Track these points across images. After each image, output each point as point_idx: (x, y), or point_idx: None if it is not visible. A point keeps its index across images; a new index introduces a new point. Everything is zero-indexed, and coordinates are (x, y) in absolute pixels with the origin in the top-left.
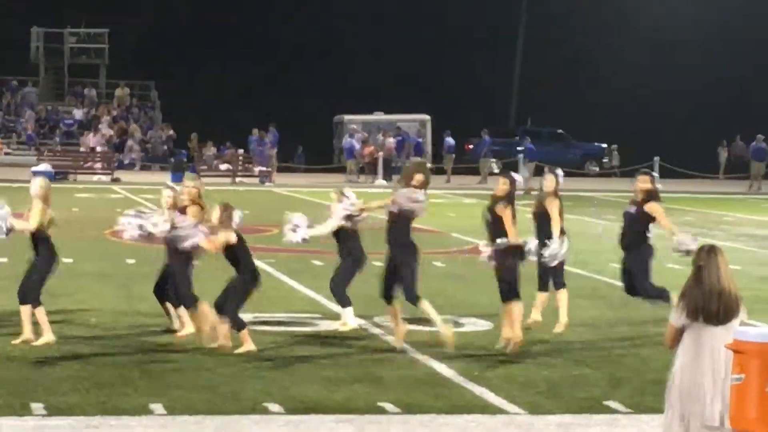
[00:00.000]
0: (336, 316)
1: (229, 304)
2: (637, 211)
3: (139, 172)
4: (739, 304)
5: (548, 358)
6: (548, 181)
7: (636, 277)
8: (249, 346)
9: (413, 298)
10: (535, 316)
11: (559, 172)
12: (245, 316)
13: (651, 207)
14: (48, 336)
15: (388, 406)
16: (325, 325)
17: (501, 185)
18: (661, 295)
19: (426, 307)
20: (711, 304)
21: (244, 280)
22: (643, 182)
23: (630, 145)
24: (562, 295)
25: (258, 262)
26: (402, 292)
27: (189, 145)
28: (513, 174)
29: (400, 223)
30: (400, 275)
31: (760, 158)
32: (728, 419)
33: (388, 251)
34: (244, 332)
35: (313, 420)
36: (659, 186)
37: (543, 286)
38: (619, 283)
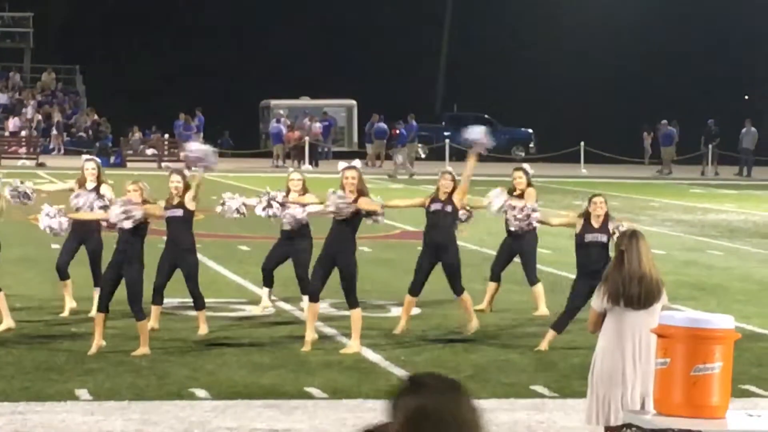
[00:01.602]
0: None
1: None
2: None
3: (65, 157)
4: (660, 289)
5: (475, 343)
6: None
7: None
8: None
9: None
10: (482, 304)
11: (528, 168)
12: (172, 300)
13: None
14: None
15: (315, 391)
16: (252, 311)
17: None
18: None
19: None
20: (632, 288)
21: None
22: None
23: (556, 130)
24: (538, 288)
25: None
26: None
27: (102, 128)
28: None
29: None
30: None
31: (668, 143)
32: (650, 402)
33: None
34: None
35: (240, 405)
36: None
37: (494, 277)
38: (547, 269)
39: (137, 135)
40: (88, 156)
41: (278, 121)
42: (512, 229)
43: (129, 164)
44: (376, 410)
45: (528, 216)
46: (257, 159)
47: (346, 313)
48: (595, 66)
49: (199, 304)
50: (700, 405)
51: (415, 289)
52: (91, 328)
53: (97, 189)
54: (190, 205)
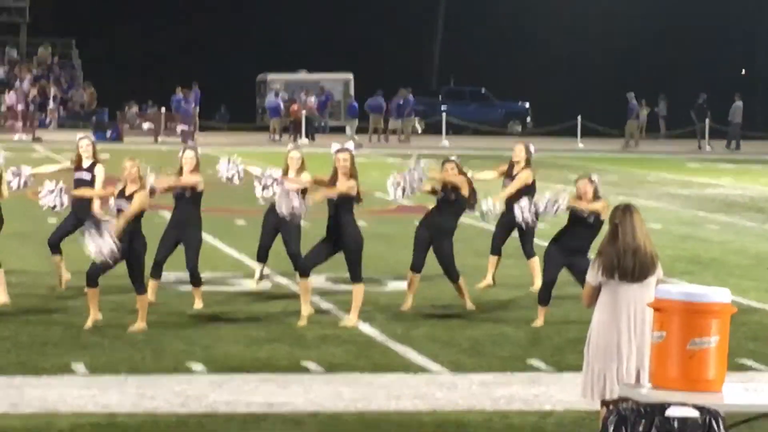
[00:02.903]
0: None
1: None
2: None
3: (61, 131)
4: (655, 262)
5: (470, 317)
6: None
7: None
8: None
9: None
10: (488, 279)
11: (529, 145)
12: (169, 275)
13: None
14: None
15: (311, 365)
16: (248, 285)
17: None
18: None
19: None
20: (626, 261)
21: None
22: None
23: (553, 104)
24: (534, 262)
25: None
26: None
27: (84, 100)
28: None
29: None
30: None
31: (629, 116)
32: (645, 376)
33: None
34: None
35: (236, 379)
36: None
37: (495, 251)
38: (543, 243)
39: (134, 109)
40: (81, 134)
41: (276, 95)
42: (519, 221)
43: (125, 138)
44: (372, 384)
45: (536, 214)
46: (254, 133)
47: (344, 287)
48: (594, 40)
49: (196, 281)
50: (696, 379)
51: (417, 265)
52: (86, 304)
53: (92, 167)
54: (200, 183)
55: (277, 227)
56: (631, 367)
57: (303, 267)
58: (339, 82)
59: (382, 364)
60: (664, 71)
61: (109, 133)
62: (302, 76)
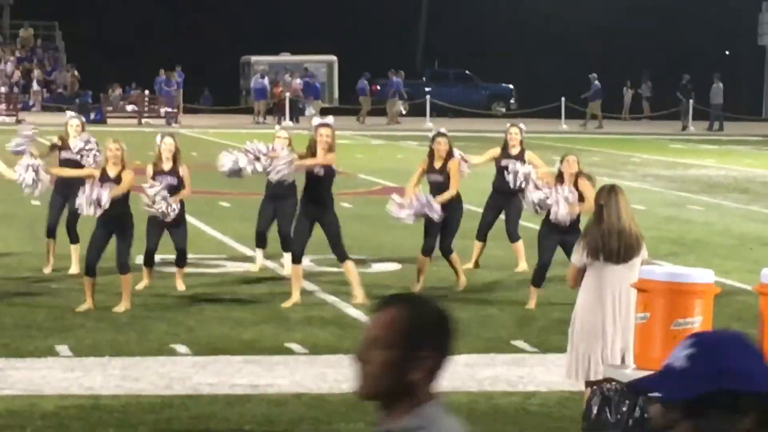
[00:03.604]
0: (243, 258)
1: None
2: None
3: (45, 114)
4: (640, 243)
5: (455, 298)
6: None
7: None
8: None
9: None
10: (471, 263)
11: (522, 126)
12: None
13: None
14: None
15: (295, 347)
16: (232, 267)
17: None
18: None
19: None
20: (611, 242)
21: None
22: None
23: (537, 86)
24: (519, 245)
25: None
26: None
27: (67, 82)
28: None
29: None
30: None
31: (593, 98)
32: (630, 357)
33: None
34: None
35: (220, 360)
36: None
37: (481, 236)
38: (525, 224)
39: (117, 91)
40: (72, 113)
41: (262, 77)
42: (512, 186)
43: (109, 121)
44: None
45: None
46: (237, 115)
47: (328, 269)
48: (578, 21)
49: (183, 261)
50: None
51: (429, 249)
52: (70, 285)
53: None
54: (184, 172)
55: (274, 212)
56: (616, 348)
57: (295, 253)
58: (323, 64)
59: None
60: (647, 52)
61: (92, 116)
62: (286, 58)
